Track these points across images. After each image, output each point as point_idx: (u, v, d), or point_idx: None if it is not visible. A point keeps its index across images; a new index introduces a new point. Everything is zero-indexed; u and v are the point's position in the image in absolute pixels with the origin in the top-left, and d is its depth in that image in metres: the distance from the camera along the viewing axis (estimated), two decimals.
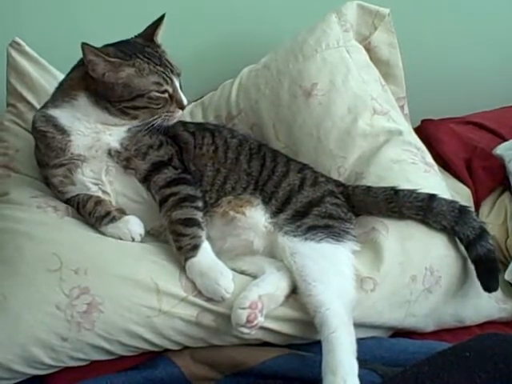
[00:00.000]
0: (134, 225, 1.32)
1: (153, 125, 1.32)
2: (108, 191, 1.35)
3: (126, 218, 1.33)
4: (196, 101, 1.71)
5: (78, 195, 1.36)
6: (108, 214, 1.33)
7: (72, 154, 1.32)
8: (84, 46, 1.25)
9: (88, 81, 1.31)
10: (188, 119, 1.63)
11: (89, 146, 1.32)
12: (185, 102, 1.33)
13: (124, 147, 1.33)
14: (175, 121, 1.34)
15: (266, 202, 1.35)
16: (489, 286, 1.29)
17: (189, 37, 1.71)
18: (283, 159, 1.45)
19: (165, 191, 1.32)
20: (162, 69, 1.31)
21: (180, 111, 1.34)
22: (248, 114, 1.62)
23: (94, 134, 1.33)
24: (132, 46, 1.33)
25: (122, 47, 1.33)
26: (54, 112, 1.35)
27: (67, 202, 1.37)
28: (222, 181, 1.37)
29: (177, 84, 1.34)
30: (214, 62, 1.79)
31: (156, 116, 1.32)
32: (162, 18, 1.37)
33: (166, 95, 1.32)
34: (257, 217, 1.33)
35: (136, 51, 1.32)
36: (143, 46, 1.34)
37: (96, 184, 1.35)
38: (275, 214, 1.33)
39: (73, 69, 1.37)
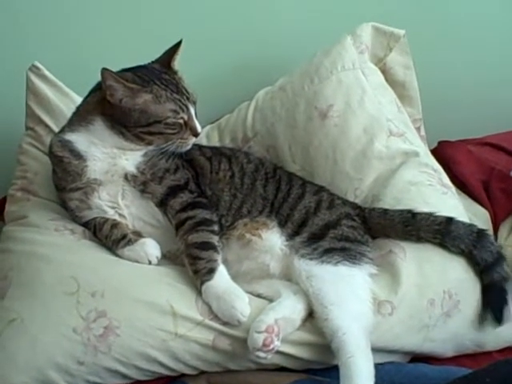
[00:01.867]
0: (150, 247, 1.32)
1: (167, 150, 1.33)
2: (124, 214, 1.35)
3: (143, 240, 1.32)
4: (212, 123, 1.71)
5: (94, 219, 1.35)
6: (124, 236, 1.32)
7: (88, 178, 1.32)
8: (104, 71, 1.26)
9: (105, 105, 1.31)
10: (204, 142, 1.63)
11: (105, 170, 1.32)
12: (199, 129, 1.34)
13: (140, 171, 1.33)
14: (188, 147, 1.34)
15: (282, 224, 1.34)
16: (496, 314, 1.28)
17: (205, 60, 1.71)
18: (299, 182, 1.45)
19: (181, 215, 1.32)
20: (178, 96, 1.32)
21: (193, 138, 1.35)
22: (264, 136, 1.61)
23: (110, 159, 1.33)
24: (149, 72, 1.34)
25: (139, 73, 1.33)
26: (71, 136, 1.35)
27: (84, 225, 1.36)
28: (238, 205, 1.37)
29: (192, 112, 1.34)
30: (229, 84, 1.79)
31: (170, 142, 1.33)
32: (179, 44, 1.37)
33: (182, 122, 1.33)
34: (273, 239, 1.32)
35: (153, 77, 1.32)
36: (160, 73, 1.35)
37: (113, 207, 1.35)
38: (291, 236, 1.32)
39: (90, 93, 1.38)
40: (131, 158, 1.33)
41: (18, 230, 1.38)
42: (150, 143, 1.33)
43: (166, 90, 1.31)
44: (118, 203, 1.34)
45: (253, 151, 1.58)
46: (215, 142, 1.66)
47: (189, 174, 1.37)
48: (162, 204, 1.33)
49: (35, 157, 1.53)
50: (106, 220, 1.34)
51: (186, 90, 1.34)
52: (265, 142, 1.60)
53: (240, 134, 1.65)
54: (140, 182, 1.33)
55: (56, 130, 1.48)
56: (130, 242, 1.31)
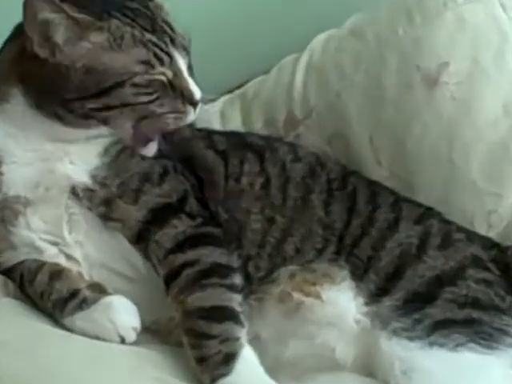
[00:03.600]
0: (121, 312, 1.20)
1: (146, 137, 1.24)
2: (74, 256, 1.25)
3: (108, 299, 1.21)
4: (230, 92, 1.66)
5: (22, 263, 1.26)
6: (75, 293, 1.21)
7: (5, 194, 1.24)
8: None
9: (26, 65, 1.21)
10: (216, 126, 1.58)
11: (34, 181, 1.23)
12: (197, 93, 1.24)
13: (99, 181, 1.24)
14: (182, 124, 1.26)
15: (359, 276, 1.26)
16: None
17: None
18: (388, 199, 1.36)
19: (175, 258, 1.21)
20: (154, 37, 1.22)
21: (191, 109, 1.25)
22: (324, 117, 1.52)
23: (41, 162, 1.24)
24: (104, 0, 1.25)
25: (87, 0, 1.23)
26: None
27: (5, 273, 1.28)
28: (278, 238, 1.29)
29: (182, 64, 1.25)
30: (256, 24, 1.75)
31: (148, 119, 1.23)
32: None
33: (163, 79, 1.22)
34: (342, 303, 1.23)
35: (110, 6, 1.23)
36: (123, 0, 1.26)
37: (53, 243, 1.25)
38: (375, 298, 1.24)
39: (3, 46, 1.29)
40: (80, 159, 1.24)
41: None
42: (109, 124, 1.22)
43: (133, 25, 1.21)
44: (62, 236, 1.24)
45: (304, 143, 1.50)
46: (236, 126, 1.58)
47: (186, 184, 1.29)
48: (140, 239, 1.24)
49: None
50: (43, 264, 1.25)
51: (168, 27, 1.25)
52: (325, 127, 1.52)
53: (281, 112, 1.57)
54: (100, 201, 1.24)
55: None
56: (84, 304, 1.20)
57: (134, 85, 1.20)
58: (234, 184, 1.32)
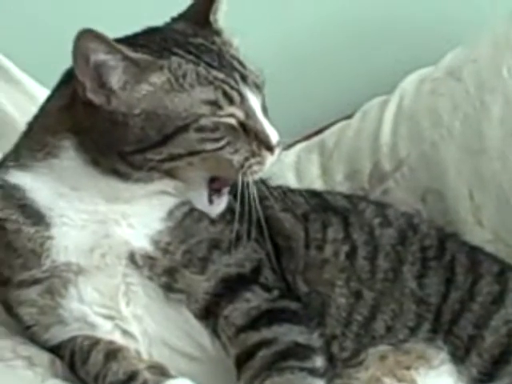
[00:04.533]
0: None
1: (217, 192, 1.23)
2: (133, 332, 1.23)
3: (171, 383, 1.19)
4: (307, 139, 1.69)
5: (73, 340, 1.24)
6: (134, 375, 1.20)
7: (54, 262, 1.20)
8: (83, 34, 1.13)
9: (77, 117, 1.20)
10: (291, 180, 1.60)
11: (88, 246, 1.22)
12: (274, 136, 1.20)
13: (161, 248, 1.22)
14: (260, 173, 1.21)
15: (460, 359, 1.22)
16: None
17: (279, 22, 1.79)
18: (492, 268, 1.32)
19: (247, 337, 1.19)
20: (222, 75, 1.19)
21: (268, 155, 1.21)
22: (416, 170, 1.53)
23: (95, 225, 1.22)
24: (166, 36, 1.25)
25: (147, 37, 1.24)
26: (19, 179, 1.25)
27: (53, 350, 1.26)
28: (366, 315, 1.26)
29: (255, 103, 1.21)
30: (335, 62, 1.81)
31: (221, 169, 1.21)
32: None
33: (234, 123, 1.19)
34: None
35: (172, 44, 1.22)
36: (186, 36, 1.25)
37: (109, 318, 1.23)
38: (479, 383, 1.22)
39: (51, 95, 1.30)
40: (140, 223, 1.23)
41: None
42: (175, 177, 1.21)
43: (197, 63, 1.19)
44: (119, 309, 1.22)
45: (392, 199, 1.50)
46: (315, 180, 1.60)
47: (261, 252, 1.27)
48: (207, 314, 1.21)
49: None
50: (97, 342, 1.23)
51: (239, 63, 1.23)
52: (418, 182, 1.53)
53: (366, 163, 1.58)
54: (162, 270, 1.22)
55: None
56: None
57: (200, 129, 1.18)
58: (315, 253, 1.30)
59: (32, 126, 1.29)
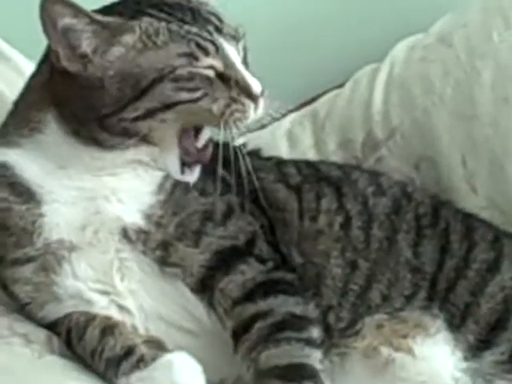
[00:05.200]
0: (184, 372, 1.17)
1: (193, 156, 1.23)
2: (129, 307, 1.23)
3: (168, 357, 1.18)
4: (300, 108, 1.68)
5: (68, 315, 1.24)
6: (131, 350, 1.19)
7: (46, 239, 1.21)
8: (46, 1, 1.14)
9: (56, 87, 1.21)
10: (284, 149, 1.60)
11: (79, 223, 1.22)
12: (255, 85, 1.18)
13: (154, 222, 1.22)
14: (243, 123, 1.20)
15: (456, 326, 1.22)
16: None
17: None
18: (487, 234, 1.33)
19: (243, 309, 1.19)
20: (195, 28, 1.18)
21: (250, 104, 1.19)
22: (409, 138, 1.52)
23: (85, 201, 1.22)
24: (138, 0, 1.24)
25: (120, 5, 1.22)
26: (8, 156, 1.25)
27: (50, 327, 1.26)
28: (361, 285, 1.27)
29: (232, 53, 1.20)
30: (325, 29, 1.80)
31: (198, 121, 1.21)
32: None
33: (211, 74, 1.18)
34: (437, 358, 1.20)
35: (144, 6, 1.21)
36: None
37: (104, 293, 1.23)
38: (475, 351, 1.21)
39: (35, 69, 1.29)
40: (130, 197, 1.23)
41: None
42: (151, 142, 1.21)
43: (169, 20, 1.19)
44: (114, 284, 1.23)
45: (386, 167, 1.50)
46: (308, 149, 1.59)
47: (255, 224, 1.27)
48: (203, 287, 1.22)
49: None
50: (93, 318, 1.23)
51: (215, 17, 1.22)
52: (411, 150, 1.53)
53: (359, 132, 1.58)
54: (156, 244, 1.22)
55: None
56: (141, 362, 1.18)
57: (175, 79, 1.17)
58: (309, 224, 1.30)
59: (18, 103, 1.29)
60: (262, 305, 1.19)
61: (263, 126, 1.66)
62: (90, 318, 1.23)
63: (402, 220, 1.33)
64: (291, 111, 1.69)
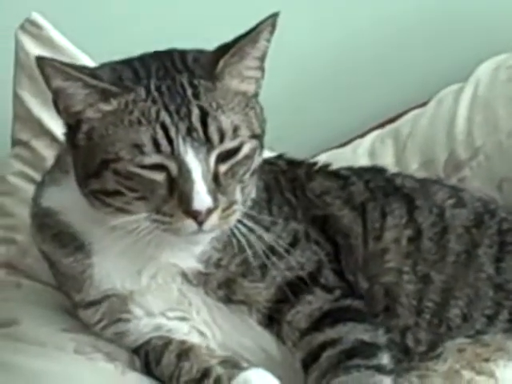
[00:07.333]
0: None
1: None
2: (205, 331, 1.26)
3: (245, 375, 1.20)
4: (381, 126, 1.67)
5: (148, 342, 1.27)
6: (207, 372, 1.22)
7: (98, 288, 1.23)
8: (39, 59, 1.12)
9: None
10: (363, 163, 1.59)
11: (133, 270, 1.22)
12: (197, 205, 1.08)
13: (213, 263, 1.22)
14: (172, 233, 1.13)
15: None
16: None
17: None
18: None
19: (312, 339, 1.20)
20: (168, 120, 1.09)
21: (186, 220, 1.09)
22: (492, 158, 1.51)
23: (137, 250, 1.19)
24: (152, 66, 1.16)
25: (138, 65, 1.17)
26: (52, 200, 1.25)
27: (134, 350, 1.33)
28: (437, 301, 1.27)
29: (193, 162, 1.09)
30: (410, 50, 1.79)
31: (126, 218, 1.12)
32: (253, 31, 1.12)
33: (160, 177, 1.10)
34: None
35: (148, 76, 1.14)
36: (176, 72, 1.15)
37: (183, 319, 1.25)
38: None
39: None
40: (181, 248, 1.20)
41: (4, 348, 1.29)
42: (118, 211, 1.13)
43: (155, 100, 1.11)
44: (188, 310, 1.24)
45: (468, 187, 1.46)
46: (389, 168, 1.49)
47: (320, 253, 1.26)
48: (270, 321, 1.23)
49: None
50: (169, 343, 1.26)
51: (197, 115, 1.10)
52: (494, 170, 1.51)
53: (441, 152, 1.56)
54: (218, 284, 1.23)
55: None
56: (218, 382, 1.22)
57: (115, 171, 1.10)
58: (373, 244, 1.30)
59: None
60: (331, 333, 1.19)
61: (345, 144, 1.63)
62: (167, 342, 1.25)
63: (484, 234, 1.31)
64: (373, 129, 1.67)
